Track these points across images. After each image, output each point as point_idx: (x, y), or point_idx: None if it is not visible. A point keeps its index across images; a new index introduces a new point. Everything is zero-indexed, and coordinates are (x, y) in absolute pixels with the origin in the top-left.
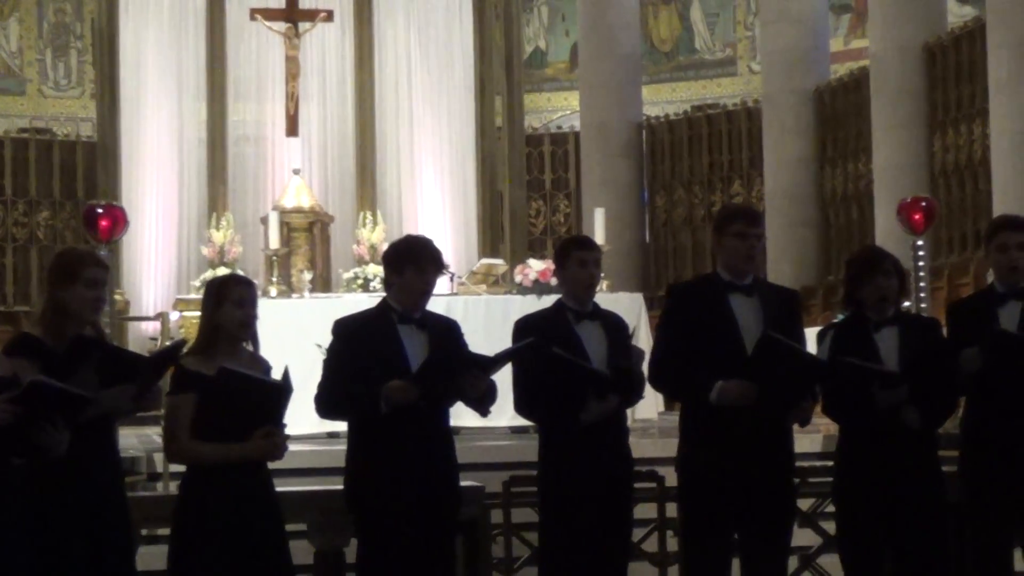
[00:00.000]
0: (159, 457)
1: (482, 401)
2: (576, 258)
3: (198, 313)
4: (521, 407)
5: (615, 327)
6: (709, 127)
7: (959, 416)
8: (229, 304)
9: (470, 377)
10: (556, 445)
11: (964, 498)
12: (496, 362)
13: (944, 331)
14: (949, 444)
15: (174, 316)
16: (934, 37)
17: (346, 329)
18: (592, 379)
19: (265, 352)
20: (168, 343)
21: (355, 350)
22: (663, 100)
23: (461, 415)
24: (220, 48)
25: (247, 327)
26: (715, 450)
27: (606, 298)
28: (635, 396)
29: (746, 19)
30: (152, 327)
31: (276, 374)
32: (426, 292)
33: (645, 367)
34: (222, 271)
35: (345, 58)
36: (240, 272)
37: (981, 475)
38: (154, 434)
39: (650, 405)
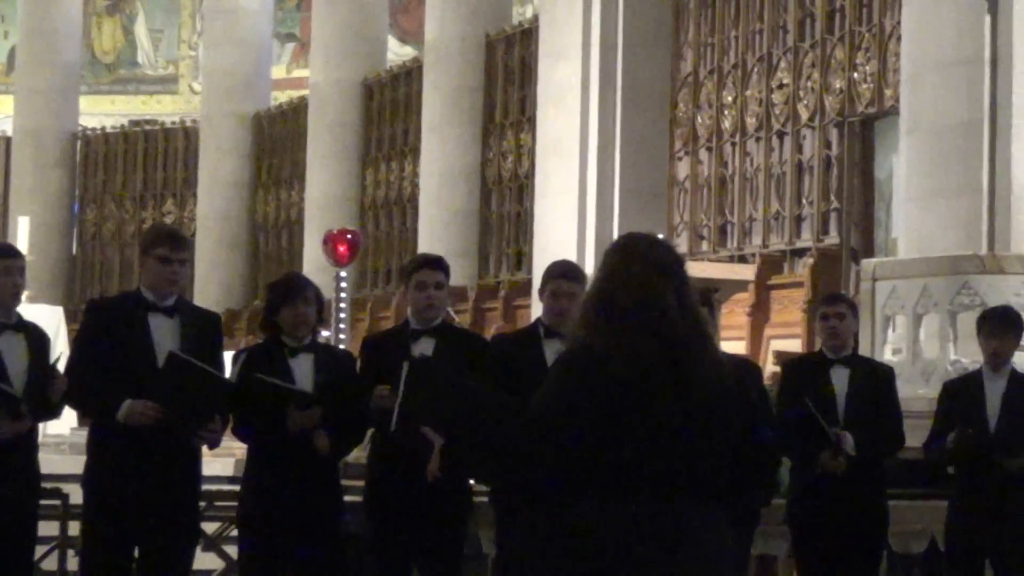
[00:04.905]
0: None
1: None
2: None
3: None
4: None
5: (38, 338)
6: (146, 143)
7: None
8: None
9: None
10: None
11: (367, 530)
12: None
13: (359, 363)
14: (357, 474)
15: None
16: (373, 73)
17: None
18: (4, 399)
19: None
20: None
21: None
22: (102, 112)
23: None
24: None
25: None
26: (121, 469)
27: (25, 309)
28: (52, 417)
29: (191, 38)
30: None
31: None
32: None
33: None
34: None
35: None
36: None
37: (383, 506)
38: None
39: (63, 421)
